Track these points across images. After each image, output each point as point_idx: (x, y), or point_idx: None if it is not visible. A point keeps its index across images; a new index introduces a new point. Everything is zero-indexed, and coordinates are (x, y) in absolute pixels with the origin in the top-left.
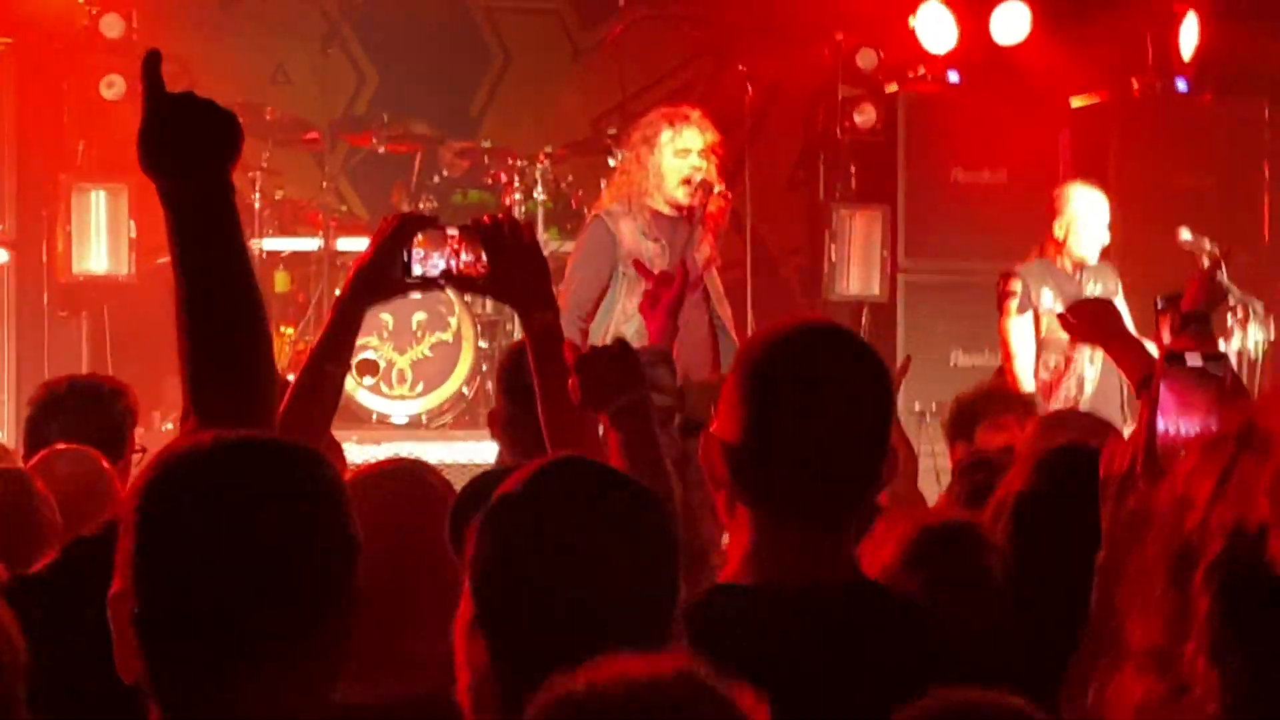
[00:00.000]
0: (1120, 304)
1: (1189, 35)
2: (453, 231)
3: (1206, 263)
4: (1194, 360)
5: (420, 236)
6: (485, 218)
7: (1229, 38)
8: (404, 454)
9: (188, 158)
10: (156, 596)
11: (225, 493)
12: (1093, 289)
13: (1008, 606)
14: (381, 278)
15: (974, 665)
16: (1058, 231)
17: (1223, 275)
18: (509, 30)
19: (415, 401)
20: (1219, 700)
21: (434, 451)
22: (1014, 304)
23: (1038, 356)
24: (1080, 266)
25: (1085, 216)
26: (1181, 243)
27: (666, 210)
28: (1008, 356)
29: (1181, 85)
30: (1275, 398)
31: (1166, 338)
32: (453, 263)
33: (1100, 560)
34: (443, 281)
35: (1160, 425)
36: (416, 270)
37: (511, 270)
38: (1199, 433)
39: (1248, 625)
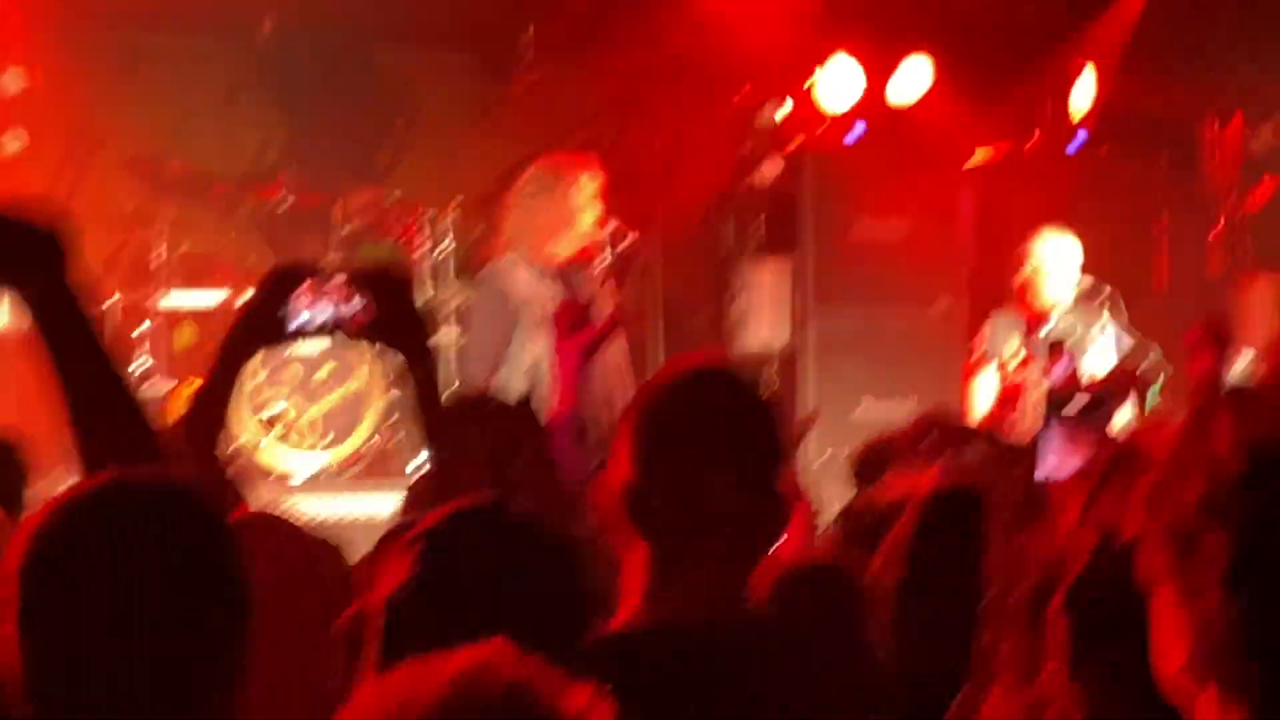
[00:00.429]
0: (1108, 338)
1: (1086, 89)
2: (337, 279)
3: (1106, 306)
4: (1076, 406)
5: (305, 284)
6: (369, 267)
7: (1126, 91)
8: (314, 504)
9: (12, 270)
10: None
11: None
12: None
13: (876, 648)
14: (266, 325)
15: (861, 703)
16: (1019, 281)
17: (1121, 319)
18: (417, 82)
19: (324, 453)
20: (1080, 713)
21: (345, 502)
22: (978, 356)
23: (1000, 407)
24: (1043, 316)
25: (1050, 263)
26: (1079, 291)
27: (566, 255)
28: (969, 408)
29: (1078, 138)
30: (1147, 428)
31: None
32: (338, 310)
33: (987, 600)
34: (327, 329)
35: (1045, 468)
36: (301, 318)
37: (393, 318)
38: (1077, 473)
39: (1103, 639)
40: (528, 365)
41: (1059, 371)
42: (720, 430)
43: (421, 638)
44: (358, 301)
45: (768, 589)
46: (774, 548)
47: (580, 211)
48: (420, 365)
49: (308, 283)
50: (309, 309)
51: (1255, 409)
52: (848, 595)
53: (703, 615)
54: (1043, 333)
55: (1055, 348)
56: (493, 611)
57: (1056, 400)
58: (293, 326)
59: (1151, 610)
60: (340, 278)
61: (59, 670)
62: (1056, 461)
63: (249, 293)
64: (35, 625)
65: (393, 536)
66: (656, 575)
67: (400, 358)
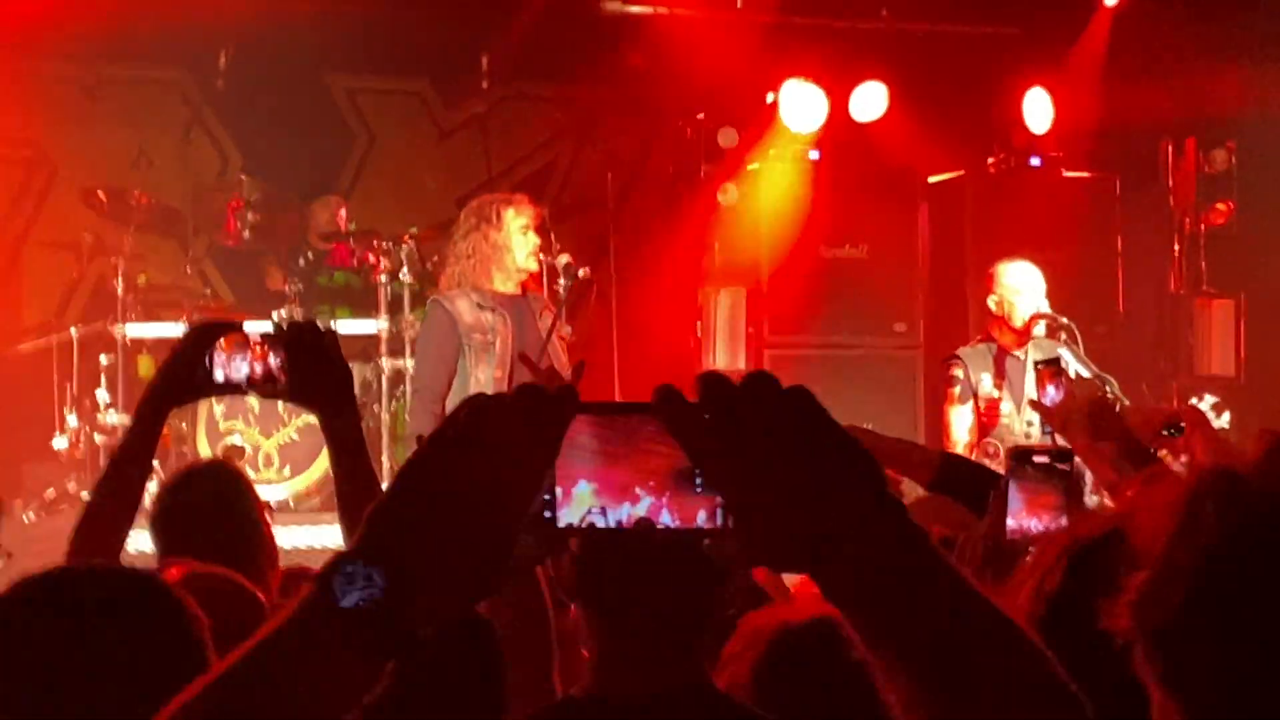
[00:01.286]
0: (1077, 368)
1: (1043, 111)
2: (256, 336)
3: (1063, 336)
4: (1041, 459)
5: (223, 341)
6: (285, 323)
7: (1082, 113)
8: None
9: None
10: None
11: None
12: (1037, 352)
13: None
14: (184, 381)
15: None
16: (994, 308)
17: (1078, 351)
18: (372, 111)
19: (282, 485)
20: None
21: (302, 535)
22: (956, 391)
23: (977, 441)
24: (1020, 341)
25: (1018, 289)
26: (1037, 318)
27: (508, 287)
28: (946, 443)
29: (1035, 161)
30: (1141, 509)
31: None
32: (256, 367)
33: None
34: (245, 387)
35: (1009, 523)
36: (219, 375)
37: (311, 376)
38: (1045, 530)
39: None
40: (474, 391)
41: (1053, 394)
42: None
43: None
44: (274, 360)
45: (761, 649)
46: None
47: (510, 247)
48: (338, 422)
49: (225, 340)
50: (225, 366)
51: (1247, 499)
52: (849, 649)
53: (654, 685)
54: (1022, 355)
55: (1048, 366)
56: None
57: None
58: (212, 383)
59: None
60: (256, 336)
61: None
62: (1019, 518)
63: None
64: None
65: (293, 577)
66: (607, 645)
67: (318, 416)
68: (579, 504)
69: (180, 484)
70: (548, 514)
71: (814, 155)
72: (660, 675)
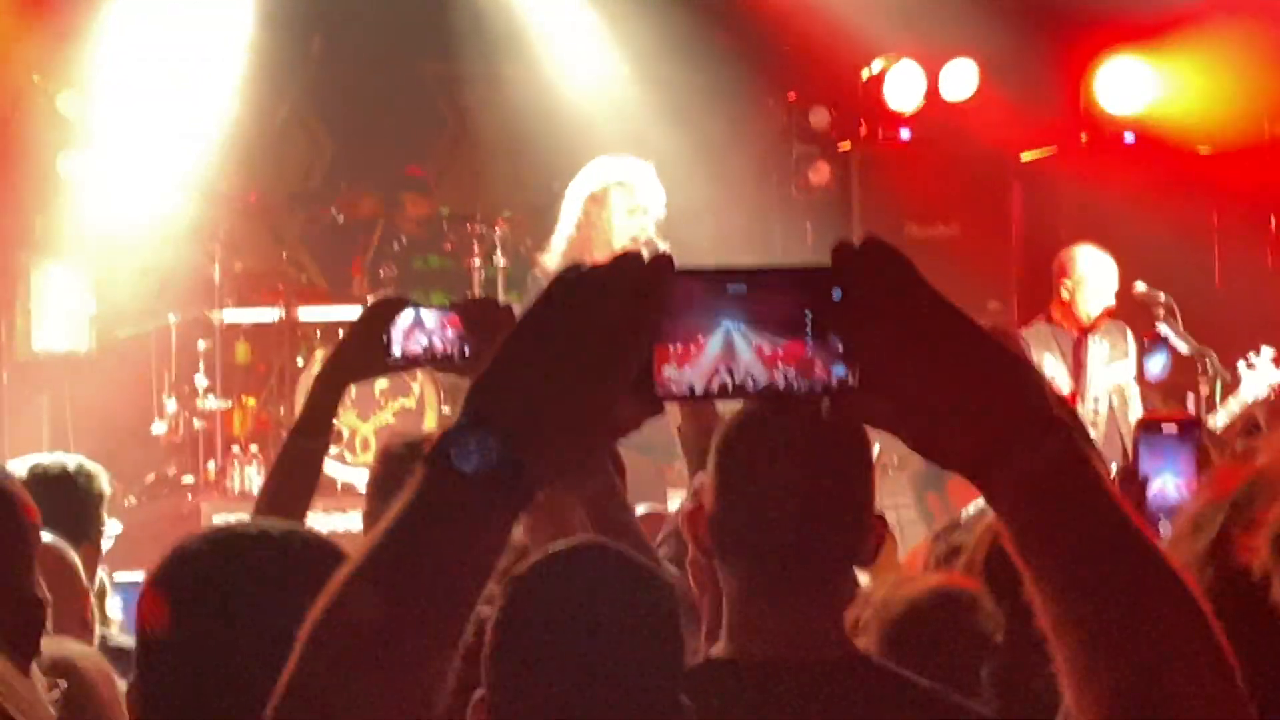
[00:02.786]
0: (1128, 366)
1: (1130, 88)
2: (436, 312)
3: (1161, 313)
4: (1169, 429)
5: (402, 316)
6: (470, 300)
7: (1168, 89)
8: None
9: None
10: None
11: None
12: (1098, 350)
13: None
14: (362, 357)
15: None
16: (1064, 294)
17: (1177, 326)
18: (463, 97)
19: None
20: None
21: None
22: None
23: None
24: (1086, 328)
25: (1092, 278)
26: (1136, 295)
27: None
28: None
29: (1129, 137)
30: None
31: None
32: (435, 343)
33: None
34: (423, 361)
35: (1151, 490)
36: (396, 351)
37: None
38: (1186, 495)
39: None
40: None
41: (1159, 370)
42: (795, 458)
43: (522, 669)
44: (451, 335)
45: (890, 618)
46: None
47: (614, 225)
48: None
49: (404, 315)
50: (403, 343)
51: None
52: (984, 618)
53: (792, 650)
54: (1099, 341)
55: (1150, 337)
56: (591, 646)
57: (1150, 423)
58: (390, 359)
59: None
60: (439, 312)
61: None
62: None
63: (303, 310)
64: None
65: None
66: (742, 607)
67: None
68: (701, 366)
69: None
70: (648, 378)
71: (905, 135)
72: (798, 639)
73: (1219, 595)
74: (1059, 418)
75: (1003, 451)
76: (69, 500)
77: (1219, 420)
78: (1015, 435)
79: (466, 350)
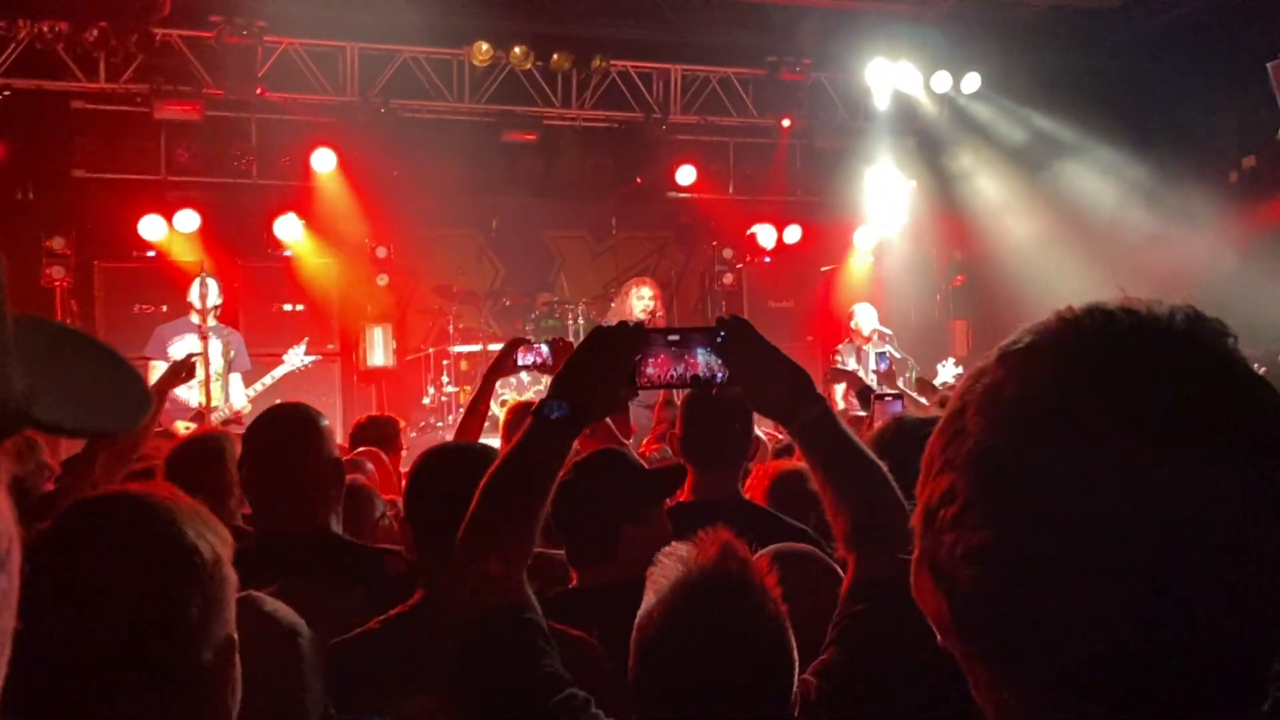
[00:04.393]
0: (895, 353)
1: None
2: (545, 345)
3: (888, 335)
4: (886, 396)
5: (522, 346)
6: (555, 339)
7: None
8: None
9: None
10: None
11: None
12: (871, 351)
13: None
14: (504, 364)
15: None
16: (852, 325)
17: (894, 342)
18: (561, 243)
19: None
20: None
21: None
22: (836, 361)
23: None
24: (865, 341)
25: (862, 317)
26: (874, 329)
27: None
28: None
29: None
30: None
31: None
32: (535, 359)
33: None
34: (532, 368)
35: (884, 409)
36: (519, 360)
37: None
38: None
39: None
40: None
41: (884, 366)
42: (717, 650)
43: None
44: (545, 352)
45: (766, 483)
46: None
47: (636, 309)
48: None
49: (523, 346)
50: (524, 357)
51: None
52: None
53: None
54: (869, 352)
55: (880, 357)
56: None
57: (864, 392)
58: (519, 364)
59: None
60: (540, 346)
61: None
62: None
63: (496, 347)
64: None
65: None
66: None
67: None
68: (658, 371)
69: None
70: (633, 377)
71: (768, 259)
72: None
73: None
74: (820, 395)
75: (795, 410)
76: (383, 431)
77: (919, 392)
78: (800, 403)
79: (552, 363)
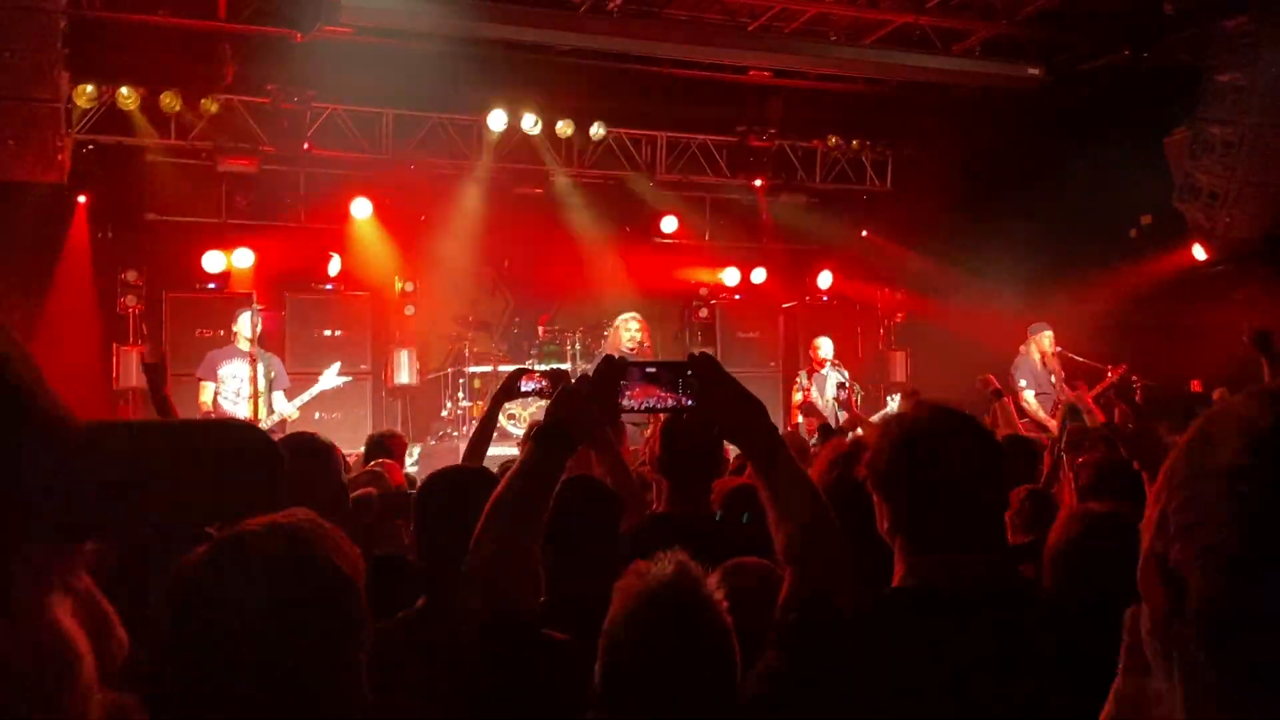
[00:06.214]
0: (835, 386)
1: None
2: (539, 375)
3: (839, 367)
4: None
5: (525, 374)
6: (552, 370)
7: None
8: None
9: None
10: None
11: None
12: (829, 376)
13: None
14: (509, 389)
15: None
16: (812, 354)
17: (844, 372)
18: (562, 281)
19: None
20: None
21: None
22: (805, 391)
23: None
24: (820, 367)
25: (822, 347)
26: (831, 360)
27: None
28: (792, 420)
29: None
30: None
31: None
32: (536, 385)
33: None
34: (534, 393)
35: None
36: (524, 386)
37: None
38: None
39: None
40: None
41: (844, 395)
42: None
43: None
44: (546, 383)
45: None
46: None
47: (620, 341)
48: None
49: (526, 374)
50: (527, 384)
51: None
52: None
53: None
54: (827, 375)
55: (840, 386)
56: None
57: (824, 429)
58: (522, 390)
59: None
60: (540, 375)
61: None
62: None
63: (506, 369)
64: None
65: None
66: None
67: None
68: (637, 398)
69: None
70: (619, 402)
71: (737, 296)
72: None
73: (834, 489)
74: (772, 424)
75: (749, 436)
76: (388, 444)
77: (874, 418)
78: (751, 425)
79: (550, 389)
